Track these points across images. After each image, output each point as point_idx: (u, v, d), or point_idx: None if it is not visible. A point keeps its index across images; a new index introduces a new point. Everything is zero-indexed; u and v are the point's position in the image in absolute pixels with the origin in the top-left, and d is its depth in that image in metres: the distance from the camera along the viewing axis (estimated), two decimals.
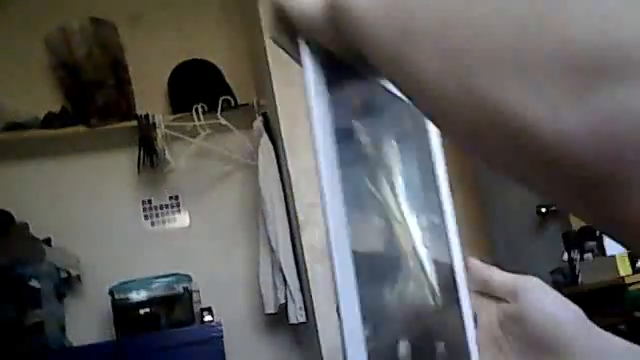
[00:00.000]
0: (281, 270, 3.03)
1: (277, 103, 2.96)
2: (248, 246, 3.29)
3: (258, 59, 3.32)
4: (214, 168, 3.37)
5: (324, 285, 2.81)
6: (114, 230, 3.29)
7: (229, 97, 3.29)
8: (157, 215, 3.37)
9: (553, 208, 3.20)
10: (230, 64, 3.46)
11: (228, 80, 3.40)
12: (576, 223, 2.96)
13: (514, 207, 3.58)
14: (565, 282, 2.91)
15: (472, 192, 4.38)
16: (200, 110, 3.22)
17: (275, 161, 3.11)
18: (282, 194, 3.08)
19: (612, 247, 2.66)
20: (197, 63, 3.41)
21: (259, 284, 3.13)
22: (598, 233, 2.73)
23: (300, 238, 2.90)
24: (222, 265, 3.30)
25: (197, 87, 3.32)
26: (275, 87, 2.96)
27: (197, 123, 3.22)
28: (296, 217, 2.92)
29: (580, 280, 2.76)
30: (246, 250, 3.30)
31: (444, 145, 0.49)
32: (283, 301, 3.04)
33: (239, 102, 3.31)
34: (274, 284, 3.07)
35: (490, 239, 3.96)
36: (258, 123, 3.22)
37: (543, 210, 3.25)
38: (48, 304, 2.94)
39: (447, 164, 0.49)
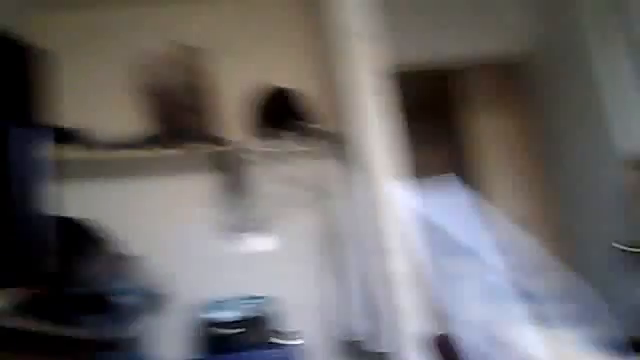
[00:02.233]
0: (361, 298, 3.05)
1: (361, 132, 3.01)
2: (328, 272, 3.33)
3: (341, 88, 3.39)
4: (296, 194, 3.43)
5: (408, 314, 2.83)
6: (199, 251, 3.38)
7: (312, 124, 3.36)
8: (240, 238, 3.45)
9: (638, 250, 3.14)
10: (312, 92, 3.55)
11: (310, 108, 3.47)
12: None
13: (597, 245, 3.53)
14: None
15: (553, 232, 4.33)
16: (284, 137, 3.30)
17: (357, 189, 3.14)
18: (363, 223, 3.11)
19: None
20: (280, 90, 3.50)
21: (339, 311, 3.16)
22: None
23: (384, 266, 2.92)
24: (302, 290, 3.34)
25: (280, 114, 3.41)
26: (360, 116, 3.01)
27: (280, 149, 3.30)
28: (379, 245, 2.95)
29: None
30: (326, 276, 3.34)
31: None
32: (364, 329, 3.06)
33: (321, 130, 3.38)
34: (354, 312, 3.09)
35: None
36: (340, 151, 3.27)
37: (627, 248, 3.19)
38: (134, 320, 3.02)
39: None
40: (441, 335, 2.40)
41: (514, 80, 4.57)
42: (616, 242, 3.23)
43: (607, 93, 3.28)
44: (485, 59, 4.17)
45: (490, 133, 4.78)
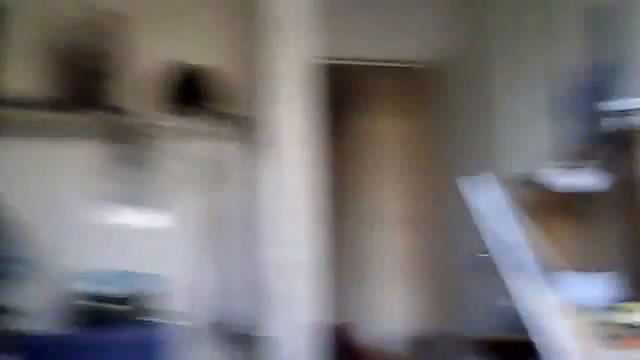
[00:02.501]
0: (245, 283, 3.09)
1: (266, 116, 3.03)
2: (214, 255, 3.33)
3: (261, 74, 3.38)
4: (193, 173, 3.41)
5: (283, 299, 2.88)
6: (80, 221, 3.29)
7: (221, 107, 3.35)
8: (127, 211, 3.39)
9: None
10: (229, 74, 3.50)
11: (223, 90, 3.46)
12: None
13: (466, 252, 3.72)
14: None
15: (435, 233, 4.50)
16: (191, 115, 3.27)
17: (255, 174, 3.17)
18: (254, 207, 3.14)
19: None
20: (194, 69, 3.44)
21: (221, 294, 3.18)
22: None
23: (265, 252, 2.96)
24: (185, 270, 3.33)
25: (191, 93, 3.37)
26: (277, 103, 3.02)
27: (186, 128, 3.27)
28: (263, 232, 2.99)
29: None
30: (211, 258, 3.34)
31: None
32: (245, 314, 3.09)
33: (226, 111, 3.37)
34: (236, 296, 3.12)
35: None
36: (248, 136, 3.27)
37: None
38: (3, 288, 2.92)
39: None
40: (340, 324, 2.46)
41: (418, 85, 4.71)
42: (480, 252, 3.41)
43: (500, 111, 3.45)
44: (394, 62, 4.27)
45: (385, 134, 4.90)
